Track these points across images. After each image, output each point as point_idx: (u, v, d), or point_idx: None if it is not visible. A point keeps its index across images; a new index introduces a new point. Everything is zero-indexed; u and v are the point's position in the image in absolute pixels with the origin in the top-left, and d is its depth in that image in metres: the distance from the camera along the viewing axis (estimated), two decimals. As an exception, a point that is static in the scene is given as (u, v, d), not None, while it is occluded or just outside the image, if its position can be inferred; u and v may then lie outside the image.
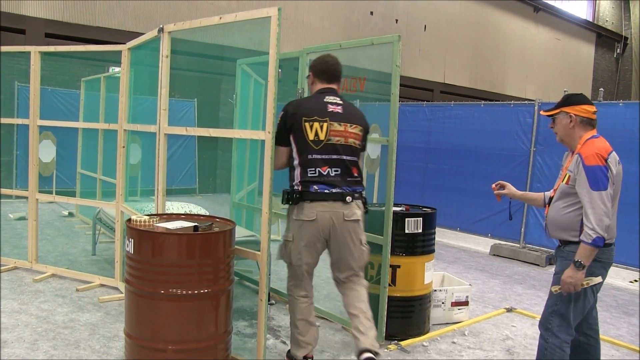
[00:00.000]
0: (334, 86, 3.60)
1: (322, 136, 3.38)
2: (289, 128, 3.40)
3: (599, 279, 2.97)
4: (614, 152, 3.00)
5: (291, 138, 3.41)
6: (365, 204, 3.56)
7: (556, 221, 3.10)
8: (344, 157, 3.43)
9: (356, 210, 3.44)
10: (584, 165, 2.90)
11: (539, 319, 4.90)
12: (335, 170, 3.40)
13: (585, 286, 2.95)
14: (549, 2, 22.68)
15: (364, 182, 3.64)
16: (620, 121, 6.66)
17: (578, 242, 2.94)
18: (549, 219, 3.16)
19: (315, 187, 3.36)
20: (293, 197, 3.40)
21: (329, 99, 3.48)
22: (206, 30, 3.80)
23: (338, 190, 3.37)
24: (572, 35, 24.33)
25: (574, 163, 3.00)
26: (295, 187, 3.41)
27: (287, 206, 3.56)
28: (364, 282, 3.65)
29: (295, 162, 3.42)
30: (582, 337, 3.25)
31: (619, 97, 26.00)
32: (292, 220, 3.46)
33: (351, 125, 3.48)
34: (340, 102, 3.50)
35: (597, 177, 2.87)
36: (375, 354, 3.34)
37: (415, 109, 9.63)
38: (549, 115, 3.20)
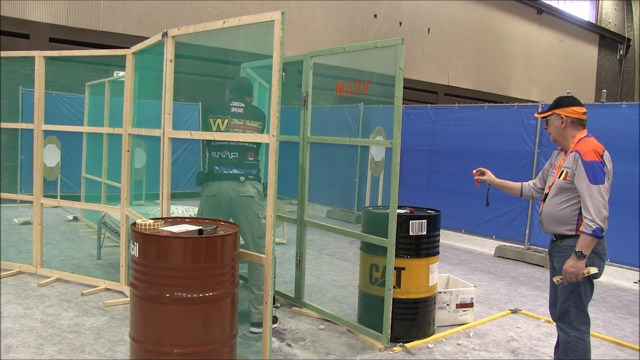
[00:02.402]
0: (234, 96, 4.39)
1: (222, 129, 4.20)
2: (204, 122, 4.32)
3: (595, 269, 3.12)
4: (606, 151, 3.18)
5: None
6: (262, 183, 4.36)
7: (553, 216, 3.25)
8: (240, 144, 4.22)
9: (249, 188, 4.20)
10: (583, 160, 3.08)
11: (544, 320, 4.92)
12: (233, 154, 4.21)
13: (586, 275, 3.09)
14: (552, 4, 22.66)
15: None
16: (623, 122, 6.65)
17: (573, 236, 3.14)
18: (545, 214, 3.32)
19: (217, 168, 4.19)
20: (200, 178, 4.26)
21: (233, 103, 4.29)
22: (210, 34, 3.81)
23: (235, 172, 4.18)
24: (575, 37, 24.30)
25: (571, 160, 3.17)
26: (204, 169, 4.31)
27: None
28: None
29: (206, 148, 4.33)
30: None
31: (623, 99, 25.94)
32: (202, 197, 4.31)
33: (249, 121, 4.26)
34: (243, 105, 4.31)
35: (596, 172, 3.05)
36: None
37: (419, 112, 9.63)
38: (542, 117, 3.41)
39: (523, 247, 7.76)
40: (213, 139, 4.09)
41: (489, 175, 3.74)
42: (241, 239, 4.15)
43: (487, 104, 9.10)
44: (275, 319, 4.50)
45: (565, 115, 3.25)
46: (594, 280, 3.23)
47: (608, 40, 26.51)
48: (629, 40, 27.52)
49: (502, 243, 8.05)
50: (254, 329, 4.26)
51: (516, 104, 8.28)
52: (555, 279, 3.24)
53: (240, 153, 4.22)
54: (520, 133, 7.86)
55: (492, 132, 8.33)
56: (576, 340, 3.17)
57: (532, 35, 21.92)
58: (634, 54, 27.43)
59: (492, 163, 8.20)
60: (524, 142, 7.82)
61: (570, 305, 3.19)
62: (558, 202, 3.22)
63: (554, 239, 3.32)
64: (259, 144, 4.36)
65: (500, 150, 8.14)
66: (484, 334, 4.59)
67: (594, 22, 25.91)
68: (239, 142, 4.19)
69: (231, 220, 3.99)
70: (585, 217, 3.04)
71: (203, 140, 4.36)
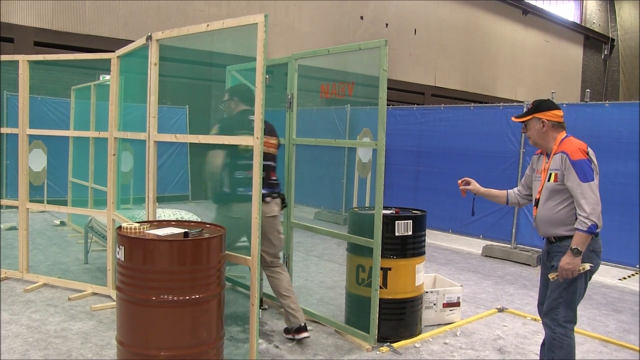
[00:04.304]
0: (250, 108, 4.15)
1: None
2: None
3: (589, 265, 3.14)
4: (589, 148, 3.22)
5: None
6: (283, 201, 4.36)
7: (550, 219, 3.26)
8: (266, 163, 3.99)
9: (274, 207, 4.19)
10: (571, 160, 3.11)
11: (530, 318, 4.97)
12: None
13: (582, 271, 3.11)
14: (537, 5, 22.86)
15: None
16: (606, 121, 6.73)
17: (573, 237, 3.12)
18: (541, 218, 3.32)
19: (241, 189, 4.03)
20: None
21: (252, 117, 3.99)
22: (196, 38, 3.82)
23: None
24: (560, 37, 24.52)
25: (558, 161, 3.19)
26: (226, 190, 4.08)
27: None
28: (285, 268, 4.47)
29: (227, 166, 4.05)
30: None
31: (608, 98, 26.20)
32: (223, 216, 4.14)
33: (270, 137, 4.21)
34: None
35: (585, 170, 3.09)
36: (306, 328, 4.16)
37: (405, 113, 9.68)
38: (521, 122, 3.41)
39: (510, 246, 7.82)
40: (198, 141, 4.06)
41: (474, 185, 3.76)
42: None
43: (472, 104, 9.16)
44: (303, 329, 4.18)
45: (547, 119, 3.28)
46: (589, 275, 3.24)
47: (593, 40, 26.78)
48: (612, 40, 27.82)
49: (489, 242, 8.11)
50: (289, 336, 4.18)
51: (501, 104, 8.35)
52: (550, 276, 3.22)
53: (265, 173, 3.99)
54: (506, 133, 7.93)
55: (478, 132, 8.39)
56: (562, 338, 3.19)
57: (518, 35, 22.09)
58: (618, 54, 27.72)
59: (478, 163, 8.27)
60: (509, 142, 7.88)
61: (560, 303, 3.20)
62: (553, 205, 3.23)
63: (553, 240, 3.30)
64: (276, 162, 4.28)
65: (487, 150, 8.20)
66: (470, 333, 4.62)
67: (578, 22, 26.16)
68: (265, 161, 3.90)
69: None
70: (579, 215, 3.07)
71: (226, 158, 4.05)
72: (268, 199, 4.10)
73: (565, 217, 3.19)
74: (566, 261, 3.08)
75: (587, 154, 3.14)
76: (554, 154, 3.23)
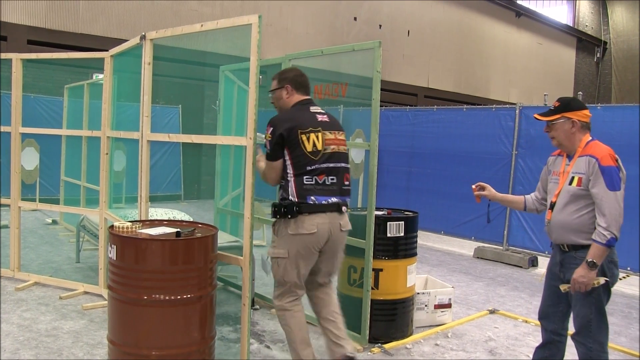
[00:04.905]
0: (309, 97, 3.55)
1: (319, 146, 3.29)
2: (284, 142, 3.26)
3: (603, 279, 2.95)
4: (617, 155, 3.04)
5: (285, 151, 3.29)
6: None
7: (568, 225, 3.06)
8: (339, 165, 3.39)
9: (348, 220, 3.46)
10: (601, 166, 2.92)
11: (522, 320, 4.98)
12: (331, 179, 3.33)
13: (596, 285, 2.94)
14: (530, 8, 22.98)
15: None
16: (599, 124, 6.73)
17: (589, 246, 2.95)
18: (557, 223, 3.11)
19: (313, 198, 3.25)
20: (292, 210, 3.23)
21: (314, 109, 3.42)
22: (190, 37, 3.83)
23: (335, 200, 3.32)
24: (553, 39, 24.64)
25: (583, 165, 3.00)
26: (292, 199, 3.26)
27: (268, 211, 3.50)
28: (332, 284, 3.69)
29: (290, 174, 3.29)
30: (555, 335, 3.29)
31: (600, 101, 26.35)
32: (287, 235, 3.28)
33: (339, 133, 3.45)
34: (324, 111, 3.46)
35: (613, 178, 2.89)
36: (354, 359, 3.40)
37: (398, 114, 9.71)
38: (549, 121, 3.14)
39: (502, 248, 7.86)
40: (191, 141, 4.08)
41: (490, 190, 3.47)
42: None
43: (465, 106, 9.20)
44: None
45: (577, 120, 3.06)
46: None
47: (585, 43, 26.93)
48: (605, 43, 28.00)
49: (481, 244, 8.14)
50: None
51: (494, 106, 8.39)
52: (562, 287, 3.06)
53: (339, 176, 3.37)
54: (499, 135, 7.97)
55: (470, 133, 8.43)
56: (599, 354, 3.00)
57: (511, 37, 22.19)
58: (611, 56, 27.91)
59: (470, 164, 8.31)
60: (502, 143, 7.92)
61: (591, 319, 3.01)
62: (573, 210, 3.03)
63: (566, 249, 3.09)
64: (348, 163, 3.52)
65: (479, 151, 8.24)
66: (462, 334, 4.64)
67: (571, 25, 26.31)
68: (336, 164, 3.36)
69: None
70: (599, 225, 2.88)
71: (290, 162, 3.28)
72: (344, 208, 3.38)
73: (587, 224, 2.99)
74: (580, 274, 2.90)
75: (617, 160, 2.95)
76: (579, 157, 3.04)
